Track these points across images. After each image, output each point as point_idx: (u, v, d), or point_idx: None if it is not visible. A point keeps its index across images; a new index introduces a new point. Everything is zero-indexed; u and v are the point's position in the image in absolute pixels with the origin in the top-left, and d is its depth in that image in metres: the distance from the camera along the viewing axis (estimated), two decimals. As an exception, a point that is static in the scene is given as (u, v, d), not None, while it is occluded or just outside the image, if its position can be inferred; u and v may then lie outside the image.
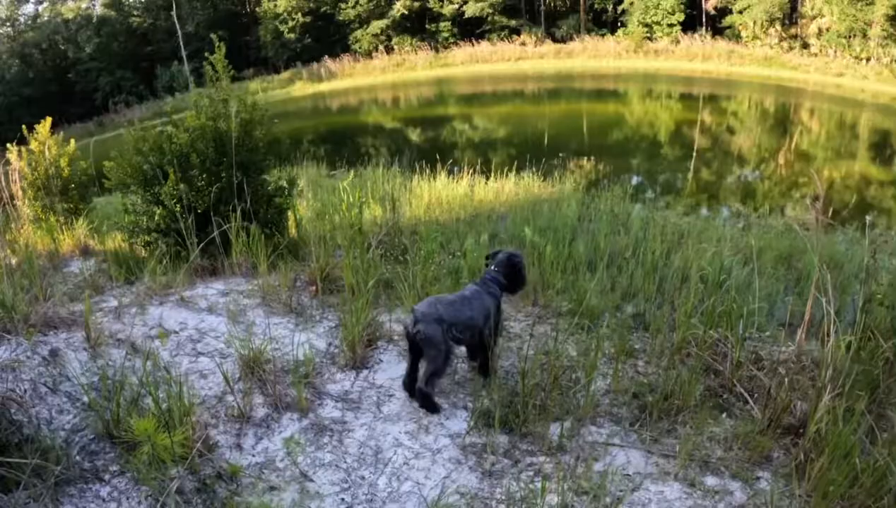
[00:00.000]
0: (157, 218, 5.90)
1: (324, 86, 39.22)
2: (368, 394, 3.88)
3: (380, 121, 31.55)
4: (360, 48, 42.93)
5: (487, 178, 10.42)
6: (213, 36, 6.25)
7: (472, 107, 32.14)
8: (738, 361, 3.99)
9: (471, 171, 10.14)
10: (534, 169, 10.96)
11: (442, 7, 42.50)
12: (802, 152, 20.80)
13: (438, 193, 8.96)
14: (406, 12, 42.60)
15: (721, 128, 25.11)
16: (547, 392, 3.78)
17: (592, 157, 16.76)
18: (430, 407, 3.75)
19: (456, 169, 10.82)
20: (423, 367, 3.79)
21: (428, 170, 10.17)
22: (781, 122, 26.45)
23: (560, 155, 18.52)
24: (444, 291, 4.81)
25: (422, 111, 32.95)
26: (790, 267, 6.93)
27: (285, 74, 41.46)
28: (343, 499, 3.06)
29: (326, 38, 43.41)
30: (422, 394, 3.77)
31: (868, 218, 10.34)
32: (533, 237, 6.15)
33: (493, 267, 4.23)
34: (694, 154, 19.63)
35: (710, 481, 3.17)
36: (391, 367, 4.14)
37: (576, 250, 6.08)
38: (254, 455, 3.29)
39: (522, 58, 40.10)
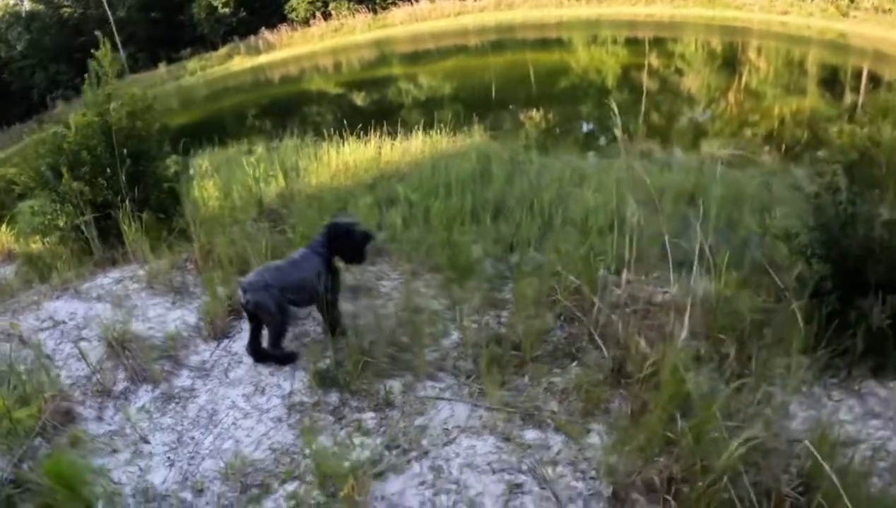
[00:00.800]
0: (61, 217, 6.04)
1: (263, 59, 38.73)
2: (222, 362, 4.08)
3: (322, 88, 31.28)
4: (296, 16, 42.20)
5: (427, 134, 10.47)
6: (97, 33, 6.24)
7: (416, 66, 31.88)
8: (597, 307, 3.96)
9: (380, 133, 10.17)
10: (480, 124, 11.06)
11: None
12: (752, 91, 20.97)
13: (346, 159, 9.00)
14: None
15: (669, 71, 25.17)
16: (390, 348, 3.87)
17: (541, 108, 16.84)
18: (285, 360, 3.97)
19: (399, 129, 10.74)
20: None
21: (369, 134, 10.09)
22: (729, 62, 26.62)
23: (510, 107, 18.69)
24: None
25: (364, 74, 32.75)
26: (694, 205, 6.98)
27: (223, 50, 40.81)
28: (169, 458, 3.33)
29: (262, 10, 42.67)
30: (268, 356, 3.99)
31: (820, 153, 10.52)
32: (411, 195, 6.27)
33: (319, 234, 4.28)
34: (644, 98, 19.60)
35: (530, 435, 3.19)
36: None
37: (457, 204, 6.17)
38: (110, 425, 3.56)
39: (463, 12, 39.71)
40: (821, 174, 4.01)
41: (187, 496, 3.02)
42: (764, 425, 2.85)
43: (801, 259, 4.00)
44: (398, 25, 40.01)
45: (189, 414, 3.60)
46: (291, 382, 3.74)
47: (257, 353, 4.03)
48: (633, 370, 3.42)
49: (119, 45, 39.59)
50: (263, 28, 40.90)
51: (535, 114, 17.07)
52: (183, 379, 3.92)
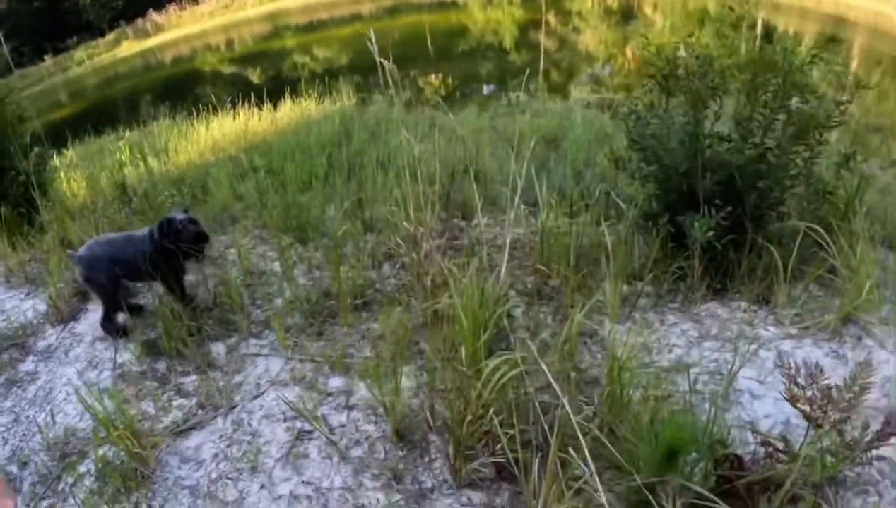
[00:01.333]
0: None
1: (152, 42, 37.77)
2: (65, 344, 4.12)
3: (216, 66, 30.77)
4: (185, -7, 41.36)
5: (295, 102, 10.58)
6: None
7: (311, 37, 31.62)
8: (423, 251, 3.92)
9: (248, 105, 10.21)
10: (377, 89, 11.10)
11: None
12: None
13: (214, 134, 9.02)
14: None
15: (567, 29, 25.43)
16: (219, 312, 4.03)
17: (440, 72, 16.91)
18: (117, 332, 4.01)
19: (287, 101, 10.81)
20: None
21: (249, 107, 10.26)
22: (626, 17, 27.11)
23: (411, 73, 18.70)
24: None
25: (258, 48, 32.34)
26: (557, 148, 7.22)
27: (110, 36, 39.60)
28: (3, 437, 3.39)
29: (149, -10, 41.58)
30: (104, 329, 4.06)
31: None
32: (261, 161, 6.39)
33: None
34: (542, 56, 19.79)
35: (335, 382, 3.29)
36: (94, 315, 4.34)
37: (312, 167, 6.29)
38: (-40, 417, 3.67)
39: (356, -21, 39.45)
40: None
41: (13, 469, 3.10)
42: (566, 356, 3.02)
43: (634, 183, 4.12)
44: (290, -3, 39.58)
45: (28, 395, 3.66)
46: (122, 354, 3.80)
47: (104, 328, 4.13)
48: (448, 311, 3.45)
49: (1, 40, 38.14)
50: (151, 10, 39.82)
51: (434, 79, 17.17)
52: (28, 364, 3.97)
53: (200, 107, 10.51)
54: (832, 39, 24.36)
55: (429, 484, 2.64)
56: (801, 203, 3.87)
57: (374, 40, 4.34)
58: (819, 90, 3.68)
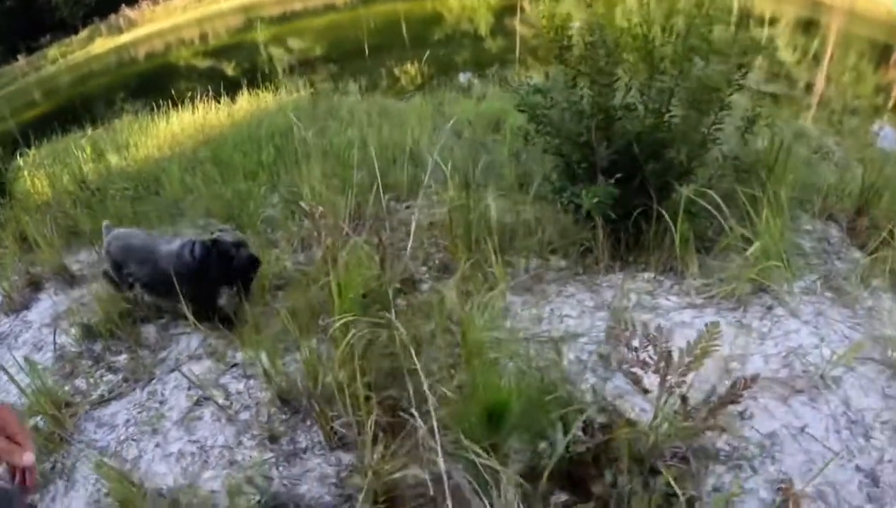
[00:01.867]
0: None
1: (126, 38, 37.73)
2: (16, 331, 4.39)
3: (190, 60, 30.82)
4: (158, -12, 41.34)
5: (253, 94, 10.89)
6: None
7: (285, 28, 31.70)
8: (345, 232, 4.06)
9: (206, 99, 10.47)
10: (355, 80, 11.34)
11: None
12: (626, 28, 21.44)
13: (174, 129, 9.27)
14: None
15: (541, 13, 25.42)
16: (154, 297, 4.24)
17: (416, 61, 17.02)
18: None
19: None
20: None
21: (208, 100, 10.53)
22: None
23: (388, 64, 18.81)
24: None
25: (233, 40, 32.42)
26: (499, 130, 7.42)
27: (84, 33, 39.52)
28: None
29: (121, -15, 41.50)
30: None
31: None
32: (208, 154, 6.67)
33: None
34: (518, 43, 19.86)
35: (241, 356, 3.54)
36: (44, 303, 4.63)
37: (254, 158, 6.54)
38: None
39: (329, -31, 39.52)
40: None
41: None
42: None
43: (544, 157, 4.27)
44: (264, -12, 39.63)
45: (-22, 378, 3.93)
46: (64, 337, 4.10)
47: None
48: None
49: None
50: (124, 5, 39.81)
51: (411, 68, 17.32)
52: (-19, 350, 4.25)
53: (168, 102, 10.76)
54: (809, 23, 24.83)
55: (303, 445, 2.89)
56: (714, 170, 4.03)
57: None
58: (727, 53, 3.75)
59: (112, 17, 39.58)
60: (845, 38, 21.79)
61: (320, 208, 3.55)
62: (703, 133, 3.76)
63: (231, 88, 10.95)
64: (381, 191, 4.35)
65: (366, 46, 22.47)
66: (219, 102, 10.34)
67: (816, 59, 17.62)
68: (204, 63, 29.08)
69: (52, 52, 37.58)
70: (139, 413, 3.29)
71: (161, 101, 10.97)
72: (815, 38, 21.18)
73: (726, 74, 3.64)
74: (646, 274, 3.84)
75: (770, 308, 3.49)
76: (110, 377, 3.63)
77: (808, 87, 13.91)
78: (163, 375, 3.54)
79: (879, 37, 22.40)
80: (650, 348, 2.33)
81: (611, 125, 3.73)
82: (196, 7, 39.33)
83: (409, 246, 3.71)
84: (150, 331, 3.98)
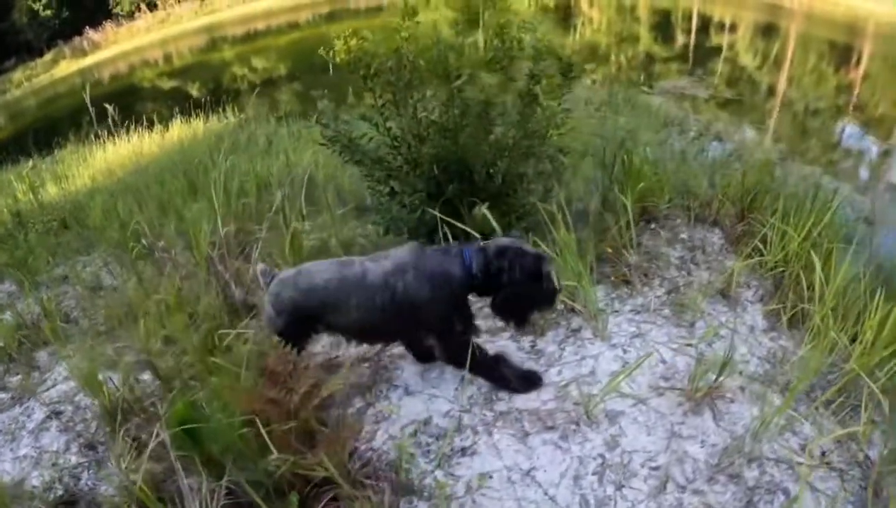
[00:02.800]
0: None
1: (90, 60, 37.76)
2: None
3: (154, 81, 31.07)
4: (122, 10, 41.39)
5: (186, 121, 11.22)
6: None
7: (248, 46, 31.99)
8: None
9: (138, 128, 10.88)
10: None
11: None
12: (587, 42, 21.94)
13: (109, 157, 9.62)
14: (164, -40, 41.25)
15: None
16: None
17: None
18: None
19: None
20: None
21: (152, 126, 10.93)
22: (563, 16, 27.76)
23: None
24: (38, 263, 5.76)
25: (197, 59, 32.65)
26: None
27: (48, 56, 39.47)
28: None
29: (85, 8, 41.54)
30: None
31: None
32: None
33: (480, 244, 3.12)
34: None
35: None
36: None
37: (177, 186, 6.81)
38: None
39: (292, -12, 39.92)
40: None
41: None
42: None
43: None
44: (226, 9, 39.84)
45: None
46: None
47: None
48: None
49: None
50: (88, 27, 39.97)
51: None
52: None
53: (127, 124, 10.98)
54: (769, 27, 25.37)
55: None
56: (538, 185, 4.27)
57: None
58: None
59: (76, 39, 39.69)
60: (805, 39, 22.28)
61: (161, 242, 3.99)
62: (495, 150, 4.00)
63: (194, 108, 11.50)
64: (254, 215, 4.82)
65: (330, 67, 22.67)
66: (152, 130, 10.70)
67: (777, 62, 18.03)
68: (169, 83, 29.31)
69: (17, 75, 37.60)
70: (9, 424, 3.79)
71: (123, 124, 11.11)
72: (775, 42, 21.60)
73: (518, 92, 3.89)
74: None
75: (577, 330, 3.69)
76: (2, 395, 4.10)
77: (771, 91, 14.26)
78: (41, 393, 4.00)
79: (839, 37, 22.94)
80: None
81: (417, 149, 3.97)
82: (160, 28, 39.56)
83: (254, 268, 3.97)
84: (42, 356, 4.45)
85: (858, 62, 18.35)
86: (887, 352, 3.20)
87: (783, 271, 4.00)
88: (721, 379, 3.13)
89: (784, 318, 3.74)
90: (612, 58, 18.31)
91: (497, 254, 2.98)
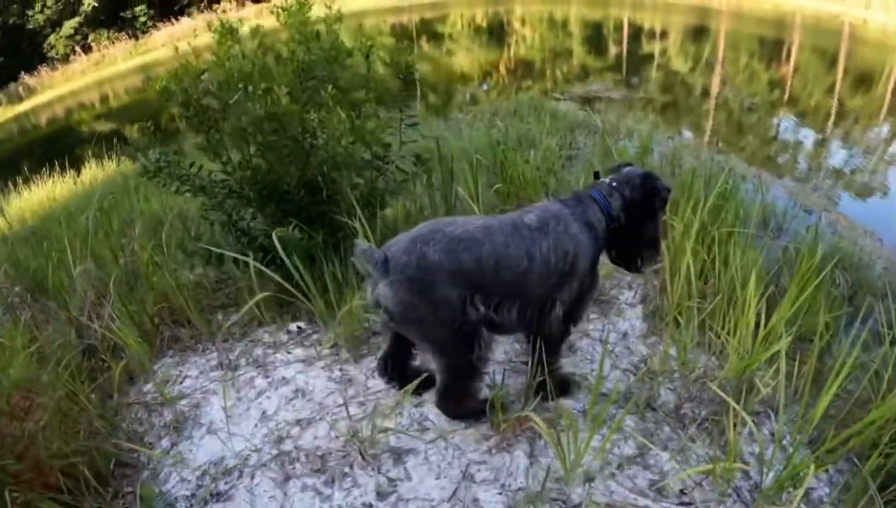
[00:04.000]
0: None
1: (25, 106, 37.14)
2: None
3: (91, 123, 30.47)
4: (56, 53, 40.56)
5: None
6: None
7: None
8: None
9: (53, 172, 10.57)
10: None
11: (141, -7, 40.87)
12: (521, 59, 22.07)
13: (22, 204, 9.31)
14: (97, 4, 40.69)
15: (440, 52, 25.91)
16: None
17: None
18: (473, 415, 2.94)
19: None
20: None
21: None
22: (497, 35, 28.01)
23: None
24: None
25: (133, 99, 32.22)
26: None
27: (-18, 103, 38.95)
28: None
29: (20, 53, 40.84)
30: (451, 414, 2.98)
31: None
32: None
33: (608, 181, 2.89)
34: (418, 85, 19.64)
35: None
36: None
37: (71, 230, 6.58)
38: None
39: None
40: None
41: None
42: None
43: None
44: (161, 48, 39.25)
45: None
46: None
47: (403, 377, 3.07)
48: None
49: None
50: (23, 72, 39.27)
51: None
52: None
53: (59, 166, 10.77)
54: (700, 29, 25.76)
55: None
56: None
57: None
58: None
59: (11, 85, 38.96)
60: (735, 38, 22.63)
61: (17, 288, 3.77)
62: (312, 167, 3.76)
63: (124, 148, 11.01)
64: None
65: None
66: (64, 174, 10.40)
67: (709, 64, 18.23)
68: (105, 125, 28.80)
69: (-46, 123, 36.88)
70: None
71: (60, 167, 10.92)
72: (706, 44, 21.88)
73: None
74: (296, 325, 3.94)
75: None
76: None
77: (705, 93, 14.34)
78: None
79: (767, 32, 23.32)
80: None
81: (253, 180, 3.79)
82: (95, 70, 38.84)
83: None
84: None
85: (788, 56, 18.62)
86: (768, 353, 2.85)
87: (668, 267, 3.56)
88: (552, 401, 2.86)
89: (667, 320, 3.38)
90: (547, 73, 18.22)
91: (633, 187, 2.80)
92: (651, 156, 6.19)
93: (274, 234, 3.40)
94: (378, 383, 3.26)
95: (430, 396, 3.07)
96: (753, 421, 2.64)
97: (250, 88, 3.46)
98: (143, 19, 41.28)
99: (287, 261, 3.31)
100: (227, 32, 3.59)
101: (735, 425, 2.56)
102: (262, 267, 3.40)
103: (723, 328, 3.16)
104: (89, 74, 38.58)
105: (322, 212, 3.77)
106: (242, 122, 3.60)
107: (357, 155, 3.67)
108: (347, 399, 3.15)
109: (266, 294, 3.63)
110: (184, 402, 3.37)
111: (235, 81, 3.51)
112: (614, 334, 3.52)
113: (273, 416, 3.13)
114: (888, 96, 13.22)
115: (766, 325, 2.95)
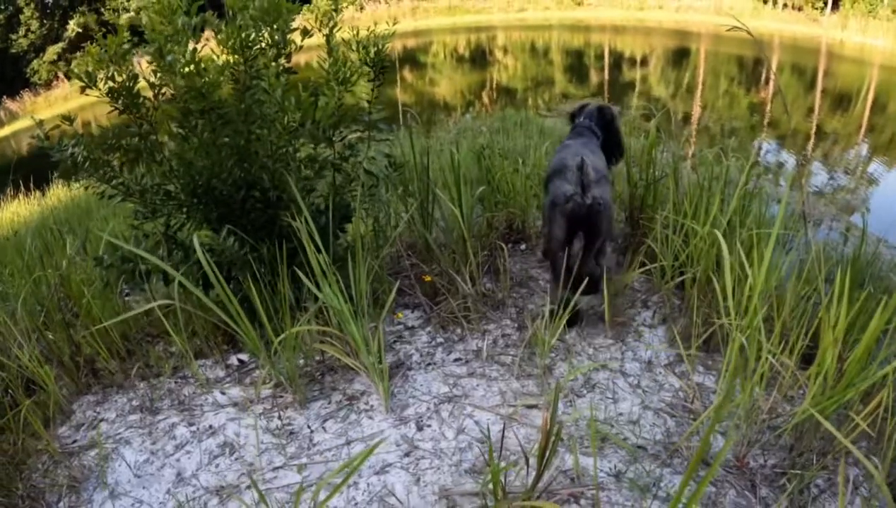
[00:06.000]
0: None
1: (6, 130, 36.41)
2: None
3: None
4: (39, 79, 39.93)
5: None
6: None
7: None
8: None
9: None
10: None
11: (118, 17, 40.18)
12: (504, 87, 21.78)
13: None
14: (81, 30, 40.02)
15: (423, 82, 25.48)
16: None
17: None
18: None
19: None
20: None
21: None
22: (478, 62, 27.76)
23: None
24: None
25: (116, 122, 31.58)
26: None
27: (-36, 128, 38.10)
28: None
29: (3, 77, 40.01)
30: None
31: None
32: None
33: (583, 119, 3.84)
34: (400, 112, 19.11)
35: None
36: None
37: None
38: None
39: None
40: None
41: None
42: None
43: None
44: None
45: None
46: None
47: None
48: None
49: None
50: (5, 97, 38.44)
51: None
52: None
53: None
54: (680, 52, 25.66)
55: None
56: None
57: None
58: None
59: (-7, 109, 38.18)
60: (715, 59, 22.47)
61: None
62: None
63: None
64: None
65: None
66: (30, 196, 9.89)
67: (690, 89, 18.01)
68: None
69: (-66, 150, 36.03)
70: None
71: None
72: (686, 70, 21.75)
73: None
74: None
75: (356, 397, 2.79)
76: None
77: (687, 118, 14.16)
78: None
79: (747, 52, 23.19)
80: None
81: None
82: (77, 96, 38.14)
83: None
84: None
85: (768, 80, 18.50)
86: (864, 384, 2.00)
87: (692, 278, 2.99)
88: (569, 467, 2.08)
89: (697, 342, 2.73)
90: (530, 102, 17.86)
91: (595, 116, 3.82)
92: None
93: (195, 239, 2.63)
94: (328, 437, 2.51)
95: (396, 459, 2.33)
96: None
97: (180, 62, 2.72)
98: (119, 42, 40.46)
99: (214, 277, 2.52)
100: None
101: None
102: (191, 286, 2.58)
103: (782, 352, 2.38)
104: (72, 100, 37.83)
105: (270, 219, 3.04)
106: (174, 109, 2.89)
107: (307, 140, 3.03)
108: (286, 459, 2.39)
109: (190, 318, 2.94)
110: (93, 453, 2.61)
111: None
112: (636, 363, 2.82)
113: (190, 479, 2.36)
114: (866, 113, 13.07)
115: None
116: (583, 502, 1.99)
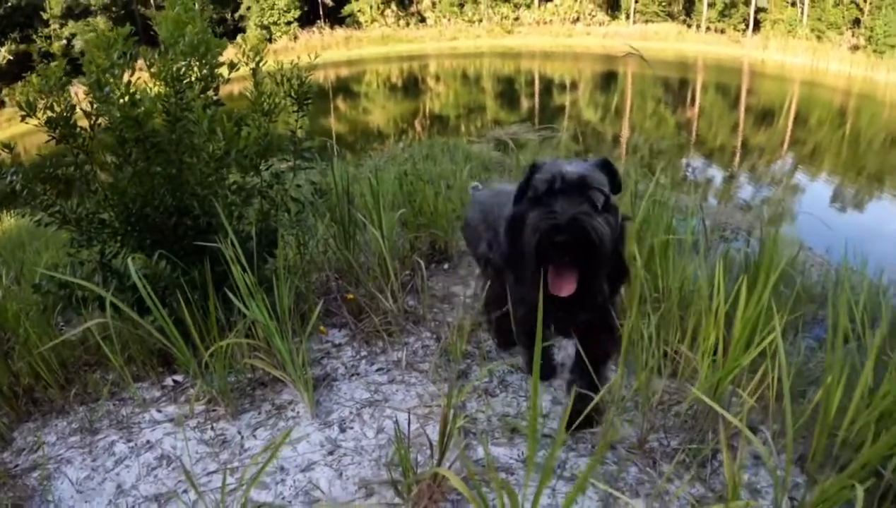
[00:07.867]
0: None
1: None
2: None
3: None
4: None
5: None
6: None
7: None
8: None
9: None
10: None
11: (50, 45, 39.45)
12: (436, 115, 22.14)
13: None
14: (11, 57, 39.10)
15: (357, 111, 25.51)
16: None
17: None
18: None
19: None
20: None
21: None
22: (411, 91, 28.11)
23: None
24: None
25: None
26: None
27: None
28: None
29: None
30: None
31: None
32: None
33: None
34: (333, 142, 18.95)
35: None
36: None
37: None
38: None
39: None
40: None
41: None
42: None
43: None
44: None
45: None
46: None
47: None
48: None
49: None
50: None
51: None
52: None
53: None
54: (609, 75, 26.25)
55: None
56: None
57: None
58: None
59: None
60: (642, 83, 23.06)
61: None
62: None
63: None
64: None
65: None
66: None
67: (618, 112, 18.37)
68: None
69: None
70: None
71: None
72: (614, 93, 22.20)
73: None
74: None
75: (283, 406, 2.89)
76: None
77: (616, 139, 14.40)
78: None
79: (672, 74, 23.86)
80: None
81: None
82: (8, 126, 37.14)
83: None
84: None
85: (693, 100, 19.03)
86: (745, 358, 2.26)
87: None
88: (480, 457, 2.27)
89: None
90: (462, 128, 18.12)
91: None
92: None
93: (130, 264, 2.73)
94: (259, 443, 2.63)
95: (320, 458, 2.47)
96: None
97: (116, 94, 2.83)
98: (58, 74, 39.68)
99: (150, 299, 2.63)
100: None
101: (714, 453, 2.18)
102: (128, 310, 2.68)
103: (681, 342, 2.63)
104: (1, 131, 36.99)
105: (200, 245, 3.14)
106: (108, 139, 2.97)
107: (234, 168, 3.12)
108: (220, 465, 2.51)
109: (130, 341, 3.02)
110: (36, 474, 2.68)
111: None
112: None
113: (130, 490, 2.44)
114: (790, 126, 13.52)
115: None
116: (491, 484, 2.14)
